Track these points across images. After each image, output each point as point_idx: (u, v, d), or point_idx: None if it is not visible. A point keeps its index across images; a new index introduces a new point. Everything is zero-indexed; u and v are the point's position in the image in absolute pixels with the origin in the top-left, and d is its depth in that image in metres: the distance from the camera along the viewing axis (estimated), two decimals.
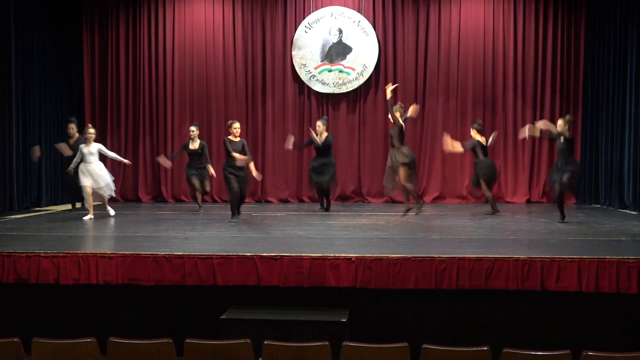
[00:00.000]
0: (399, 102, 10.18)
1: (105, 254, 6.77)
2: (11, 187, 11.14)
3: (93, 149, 10.00)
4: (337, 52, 13.14)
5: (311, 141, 11.16)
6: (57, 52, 12.83)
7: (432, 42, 13.12)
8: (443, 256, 6.55)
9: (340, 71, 13.12)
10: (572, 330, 6.51)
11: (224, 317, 6.27)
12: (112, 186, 10.35)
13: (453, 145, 10.68)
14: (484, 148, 10.41)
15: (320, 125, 11.04)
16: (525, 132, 9.89)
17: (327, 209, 11.20)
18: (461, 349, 4.74)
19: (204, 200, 11.43)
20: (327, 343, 4.66)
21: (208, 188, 11.33)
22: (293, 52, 13.19)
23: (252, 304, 6.66)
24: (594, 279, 6.37)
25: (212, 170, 10.90)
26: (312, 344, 4.69)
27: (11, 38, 11.15)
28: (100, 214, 10.24)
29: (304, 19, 13.17)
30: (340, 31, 13.13)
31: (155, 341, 4.79)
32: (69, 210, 11.26)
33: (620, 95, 11.65)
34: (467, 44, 13.03)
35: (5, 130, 11.04)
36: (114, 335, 4.94)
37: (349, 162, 13.16)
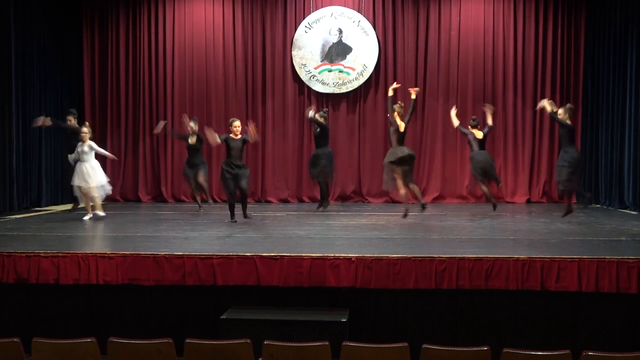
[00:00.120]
0: (399, 102, 10.04)
1: (105, 254, 6.77)
2: (11, 187, 11.14)
3: (86, 147, 9.96)
4: (337, 52, 13.14)
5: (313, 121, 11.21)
6: (57, 52, 12.83)
7: (432, 42, 13.13)
8: (443, 256, 6.55)
9: (340, 71, 13.12)
10: (572, 330, 6.51)
11: (224, 317, 6.27)
12: (107, 187, 10.19)
13: (454, 118, 10.77)
14: (478, 141, 10.40)
15: (318, 117, 11.11)
16: (544, 103, 9.59)
17: (320, 206, 11.18)
18: (461, 349, 4.74)
19: (203, 200, 11.38)
20: (327, 343, 4.66)
21: (201, 179, 10.98)
22: (293, 52, 13.19)
23: (252, 304, 6.66)
24: (594, 279, 6.37)
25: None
26: (312, 344, 4.69)
27: (11, 38, 11.15)
28: (106, 216, 10.24)
29: (304, 19, 13.17)
30: (340, 31, 13.13)
31: (155, 341, 4.79)
32: (69, 210, 11.24)
33: (620, 95, 11.65)
34: (467, 44, 13.04)
35: (5, 130, 11.04)
36: (114, 335, 4.94)
37: (349, 162, 13.17)
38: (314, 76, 13.14)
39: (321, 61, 13.14)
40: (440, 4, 13.10)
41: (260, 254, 6.66)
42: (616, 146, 11.74)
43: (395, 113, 9.70)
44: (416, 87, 10.53)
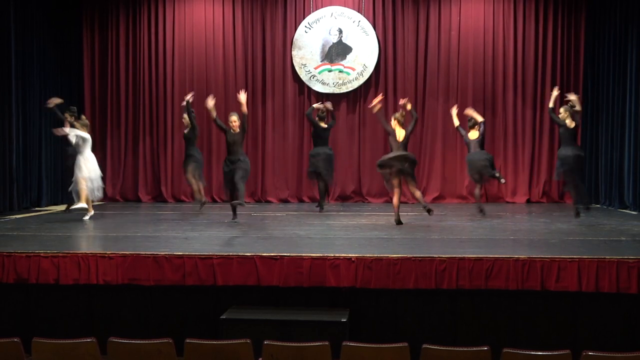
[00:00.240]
0: (400, 110, 9.80)
1: (105, 254, 6.77)
2: (11, 187, 11.14)
3: (72, 137, 9.80)
4: (337, 52, 13.14)
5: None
6: (57, 52, 12.82)
7: (432, 42, 13.13)
8: (443, 256, 6.55)
9: (340, 71, 13.13)
10: (572, 330, 6.51)
11: (224, 317, 6.27)
12: (98, 182, 9.85)
13: (455, 117, 10.70)
14: (474, 142, 10.33)
15: (318, 111, 11.16)
16: (573, 97, 9.50)
17: (318, 205, 11.15)
18: (461, 349, 4.74)
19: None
20: (327, 343, 4.66)
21: (188, 175, 10.82)
22: (293, 52, 13.19)
23: (252, 304, 6.66)
24: (594, 279, 6.37)
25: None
26: (312, 344, 4.69)
27: (11, 38, 11.15)
28: (99, 214, 10.23)
29: (304, 19, 13.17)
30: (340, 31, 13.13)
31: (155, 341, 4.79)
32: (63, 211, 11.09)
33: (620, 95, 11.65)
34: (467, 44, 13.04)
35: (5, 130, 11.04)
36: (114, 335, 4.94)
37: (349, 162, 13.17)
38: (314, 76, 13.14)
39: (321, 61, 13.15)
40: (440, 4, 13.10)
41: (260, 254, 6.66)
42: (616, 146, 11.74)
43: (395, 122, 9.32)
44: (408, 99, 10.05)
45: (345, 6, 13.16)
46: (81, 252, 6.82)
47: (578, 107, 9.48)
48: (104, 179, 12.85)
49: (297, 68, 13.18)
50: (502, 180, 10.64)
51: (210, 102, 9.54)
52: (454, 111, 10.81)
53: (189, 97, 10.84)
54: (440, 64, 13.11)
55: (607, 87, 12.11)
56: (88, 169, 9.71)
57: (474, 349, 4.63)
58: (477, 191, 10.52)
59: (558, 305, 6.56)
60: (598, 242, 7.62)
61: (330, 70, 13.14)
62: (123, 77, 13.47)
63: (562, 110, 9.42)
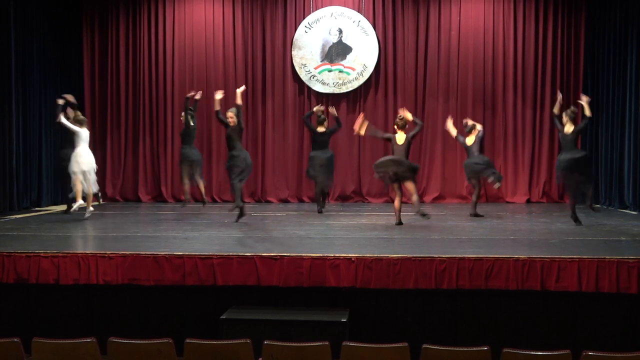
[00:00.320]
0: (399, 115, 9.67)
1: (105, 254, 6.77)
2: (11, 187, 11.13)
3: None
4: (337, 52, 13.14)
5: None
6: (57, 52, 12.82)
7: (432, 42, 13.13)
8: (443, 256, 6.55)
9: (340, 71, 13.13)
10: (572, 330, 6.51)
11: (224, 317, 6.27)
12: (89, 176, 9.73)
13: (451, 129, 10.57)
14: (471, 147, 10.33)
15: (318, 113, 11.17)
16: (584, 102, 9.43)
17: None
18: (461, 349, 4.74)
19: (203, 200, 11.29)
20: (327, 343, 4.66)
21: (182, 174, 10.88)
22: (293, 52, 13.20)
23: (252, 304, 6.66)
24: (594, 279, 6.37)
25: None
26: (312, 344, 4.69)
27: (11, 38, 11.14)
28: (99, 214, 10.22)
29: (304, 19, 13.17)
30: (340, 31, 13.13)
31: (155, 341, 4.79)
32: (63, 211, 11.09)
33: (620, 95, 11.65)
34: (467, 44, 13.04)
35: (5, 130, 11.04)
36: (114, 335, 4.94)
37: (349, 162, 13.17)
38: (314, 76, 13.14)
39: (321, 61, 13.15)
40: (440, 4, 13.10)
41: (260, 254, 6.66)
42: (616, 146, 11.74)
43: (396, 126, 9.29)
44: (404, 109, 9.72)
45: (345, 6, 13.15)
46: (81, 252, 6.83)
47: (588, 113, 9.27)
48: (103, 179, 13.01)
49: (297, 68, 13.18)
50: (496, 186, 10.53)
51: (219, 95, 9.47)
52: (449, 123, 10.63)
53: (190, 94, 10.87)
54: (440, 64, 13.11)
55: (607, 87, 12.11)
56: (79, 162, 9.64)
57: (474, 349, 4.64)
58: (474, 197, 10.46)
59: (558, 305, 6.56)
60: (598, 242, 7.62)
61: (330, 70, 13.14)
62: (123, 77, 13.47)
63: (563, 115, 9.38)
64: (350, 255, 6.62)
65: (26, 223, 9.63)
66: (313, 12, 13.17)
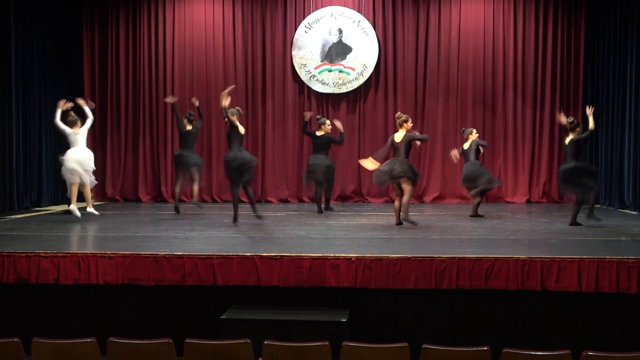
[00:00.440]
0: (399, 113, 9.68)
1: (105, 254, 6.77)
2: (11, 187, 11.13)
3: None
4: (337, 52, 13.14)
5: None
6: (57, 52, 12.82)
7: (432, 42, 13.13)
8: (443, 256, 6.55)
9: (340, 71, 13.13)
10: (572, 330, 6.51)
11: (224, 317, 6.27)
12: (88, 166, 9.84)
13: (453, 157, 10.42)
14: (467, 152, 10.34)
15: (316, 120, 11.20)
16: (590, 115, 9.40)
17: (323, 207, 11.11)
18: (461, 349, 4.74)
19: (202, 200, 11.29)
20: (327, 343, 4.66)
21: (177, 175, 10.87)
22: (293, 52, 13.20)
23: (252, 304, 6.66)
24: (594, 279, 6.37)
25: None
26: (312, 344, 4.69)
27: (11, 38, 11.14)
28: (100, 213, 10.22)
29: (304, 19, 13.17)
30: (340, 31, 13.13)
31: (155, 341, 4.79)
32: (64, 212, 11.07)
33: (620, 95, 11.65)
34: (467, 44, 13.04)
35: (5, 130, 11.04)
36: (114, 335, 4.94)
37: (349, 162, 13.16)
38: (314, 76, 13.14)
39: (321, 61, 13.15)
40: (440, 4, 13.10)
41: (260, 254, 6.66)
42: (616, 146, 11.75)
43: (397, 124, 9.18)
44: (409, 118, 9.36)
45: (345, 6, 13.16)
46: (81, 252, 6.82)
47: (591, 125, 9.24)
48: (103, 179, 13.01)
49: (297, 68, 13.18)
50: (475, 198, 10.37)
51: (226, 95, 8.95)
52: (453, 153, 10.43)
53: (167, 100, 10.95)
54: (440, 64, 13.11)
55: (607, 87, 12.11)
56: (69, 158, 9.68)
57: (474, 349, 4.64)
58: (477, 200, 10.45)
59: (558, 305, 6.56)
60: (598, 242, 7.63)
61: (330, 70, 13.14)
62: (123, 77, 13.47)
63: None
64: (350, 255, 6.62)
65: (26, 223, 9.63)
66: (313, 12, 13.18)
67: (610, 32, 12.02)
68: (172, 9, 13.36)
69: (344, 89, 13.15)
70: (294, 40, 13.19)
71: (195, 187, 10.80)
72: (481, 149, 10.44)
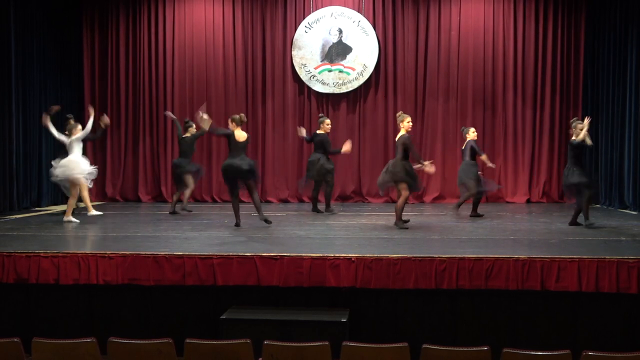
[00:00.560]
0: (400, 112, 9.65)
1: (105, 254, 6.77)
2: (11, 187, 11.14)
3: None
4: (337, 52, 13.14)
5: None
6: (57, 52, 12.82)
7: (432, 42, 13.13)
8: (443, 256, 6.55)
9: (340, 71, 13.13)
10: (572, 330, 6.51)
11: (224, 317, 6.27)
12: (84, 166, 9.80)
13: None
14: (464, 152, 10.35)
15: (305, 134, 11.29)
16: (586, 126, 9.24)
17: (326, 208, 11.11)
18: (461, 349, 4.74)
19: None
20: (327, 343, 4.66)
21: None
22: (293, 52, 13.20)
23: (252, 304, 6.66)
24: (594, 279, 6.37)
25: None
26: (312, 344, 4.69)
27: (11, 38, 11.15)
28: (106, 216, 10.22)
29: (304, 19, 13.18)
30: (340, 31, 13.13)
31: (155, 341, 4.79)
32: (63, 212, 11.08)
33: (620, 95, 11.66)
34: (467, 44, 13.04)
35: (5, 130, 11.04)
36: (114, 335, 4.94)
37: (349, 162, 13.16)
38: (314, 76, 13.14)
39: (321, 61, 13.15)
40: (440, 4, 13.10)
41: (260, 254, 6.66)
42: (616, 146, 11.75)
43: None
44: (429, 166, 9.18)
45: (345, 6, 13.16)
46: (81, 252, 6.82)
47: (589, 142, 9.25)
48: (103, 179, 13.01)
49: (297, 68, 13.18)
50: (459, 202, 10.48)
51: (205, 120, 8.93)
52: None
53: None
54: (440, 64, 13.11)
55: (607, 87, 12.12)
56: (63, 164, 9.71)
57: (474, 349, 4.63)
58: (480, 196, 10.47)
59: (558, 305, 6.56)
60: (598, 242, 7.62)
61: (330, 70, 13.14)
62: (123, 77, 13.47)
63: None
64: (350, 255, 6.62)
65: (26, 223, 9.63)
66: (313, 12, 13.18)
67: (610, 32, 12.02)
68: (172, 9, 13.37)
69: (344, 89, 13.15)
70: (294, 40, 13.19)
71: (187, 192, 10.84)
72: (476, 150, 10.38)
